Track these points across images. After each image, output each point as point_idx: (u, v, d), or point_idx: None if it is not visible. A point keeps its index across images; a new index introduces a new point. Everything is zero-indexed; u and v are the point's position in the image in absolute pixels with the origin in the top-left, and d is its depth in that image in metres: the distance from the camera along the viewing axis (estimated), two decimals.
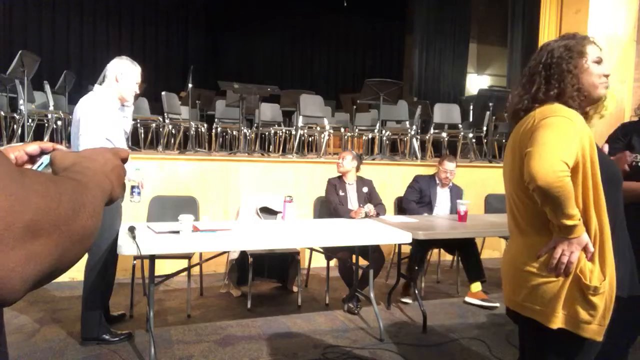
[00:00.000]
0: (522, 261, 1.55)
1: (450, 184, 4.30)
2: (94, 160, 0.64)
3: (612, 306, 1.47)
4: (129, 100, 3.04)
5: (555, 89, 1.55)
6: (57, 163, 0.64)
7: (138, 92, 3.07)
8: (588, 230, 1.47)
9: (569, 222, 1.41)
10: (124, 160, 0.69)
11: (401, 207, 4.30)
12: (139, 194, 2.94)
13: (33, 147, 0.76)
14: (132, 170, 2.92)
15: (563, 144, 1.42)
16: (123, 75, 2.93)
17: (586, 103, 1.59)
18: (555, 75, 1.55)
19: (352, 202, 3.99)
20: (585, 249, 1.46)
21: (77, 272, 4.29)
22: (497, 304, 3.91)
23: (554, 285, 1.47)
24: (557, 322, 1.47)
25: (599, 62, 1.58)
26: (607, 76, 1.59)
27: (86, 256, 3.06)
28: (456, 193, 4.31)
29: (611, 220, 1.50)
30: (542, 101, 1.56)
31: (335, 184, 3.99)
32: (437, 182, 4.26)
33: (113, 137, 2.86)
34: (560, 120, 1.46)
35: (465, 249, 4.07)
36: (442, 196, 4.27)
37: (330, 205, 3.92)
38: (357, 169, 4.07)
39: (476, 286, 4.04)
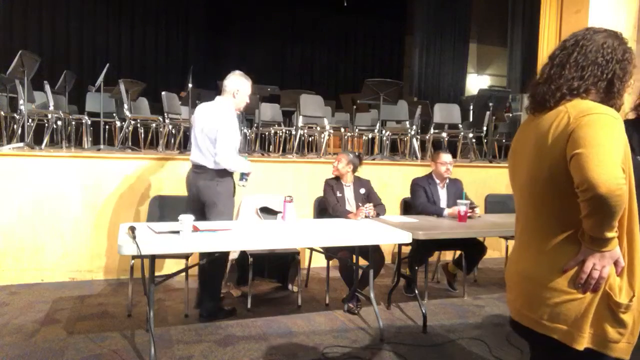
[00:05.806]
0: (541, 275, 1.40)
1: (447, 181, 4.13)
2: None
3: None
4: (242, 110, 3.68)
5: (601, 86, 1.43)
6: None
7: (248, 101, 3.61)
8: (619, 242, 1.34)
9: (610, 234, 1.28)
10: None
11: (415, 212, 4.03)
12: (246, 180, 3.46)
13: None
14: (242, 160, 3.52)
15: (618, 147, 1.28)
16: (239, 91, 3.47)
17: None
18: (610, 74, 1.42)
19: (350, 204, 3.94)
20: (616, 262, 1.33)
21: (77, 273, 4.30)
22: (457, 290, 4.35)
23: (579, 303, 1.33)
24: (584, 342, 1.33)
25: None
26: None
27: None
28: (454, 188, 4.13)
29: None
30: (575, 94, 1.42)
31: (332, 185, 3.93)
32: (437, 181, 4.10)
33: (238, 143, 3.49)
34: (608, 118, 1.31)
35: (471, 250, 4.05)
36: (443, 195, 4.12)
37: (328, 206, 3.87)
38: (355, 169, 4.00)
39: (454, 270, 4.31)
